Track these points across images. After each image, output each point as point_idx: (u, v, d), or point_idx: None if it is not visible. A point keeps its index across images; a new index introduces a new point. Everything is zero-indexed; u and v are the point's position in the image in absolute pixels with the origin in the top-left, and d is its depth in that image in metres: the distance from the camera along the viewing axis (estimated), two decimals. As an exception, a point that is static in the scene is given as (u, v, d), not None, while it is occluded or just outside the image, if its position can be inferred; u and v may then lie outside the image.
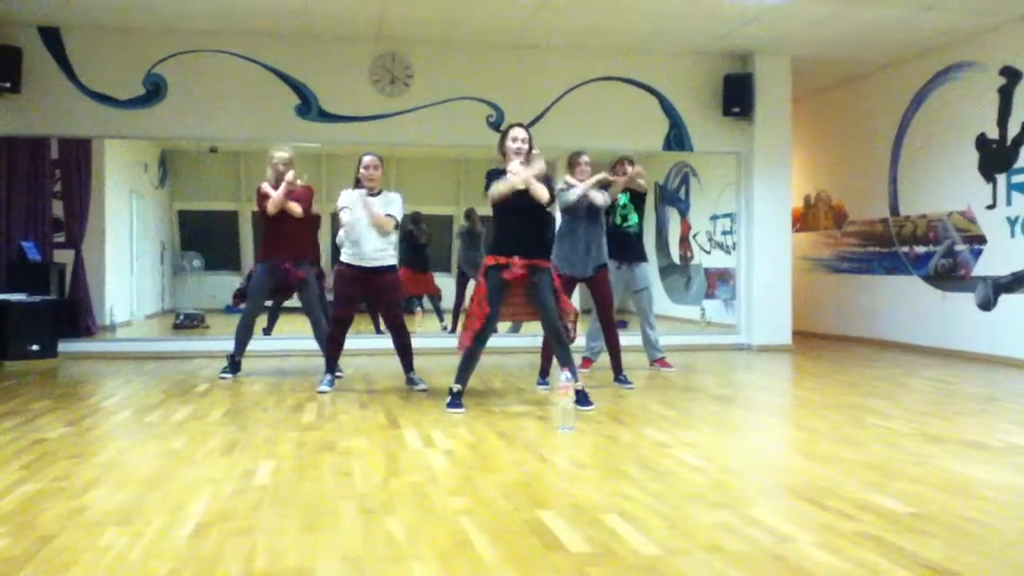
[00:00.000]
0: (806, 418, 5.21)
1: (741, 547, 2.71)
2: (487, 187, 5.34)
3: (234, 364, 6.76)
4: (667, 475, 3.66)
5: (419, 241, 10.35)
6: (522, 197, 5.24)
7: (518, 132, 5.36)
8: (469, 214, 10.43)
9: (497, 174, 5.33)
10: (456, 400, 5.27)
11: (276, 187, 6.59)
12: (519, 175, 5.17)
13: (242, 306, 6.91)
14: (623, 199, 7.06)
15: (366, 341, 8.98)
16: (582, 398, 5.22)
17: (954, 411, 5.35)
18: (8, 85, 7.84)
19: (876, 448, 4.22)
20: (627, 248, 7.09)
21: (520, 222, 5.28)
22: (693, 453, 4.09)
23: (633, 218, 7.11)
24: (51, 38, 8.16)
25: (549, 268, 5.33)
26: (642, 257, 7.24)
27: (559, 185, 6.29)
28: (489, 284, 5.23)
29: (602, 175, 6.43)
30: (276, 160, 6.65)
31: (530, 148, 5.34)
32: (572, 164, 6.47)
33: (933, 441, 4.39)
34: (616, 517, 3.02)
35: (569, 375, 4.79)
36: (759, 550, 2.68)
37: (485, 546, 2.71)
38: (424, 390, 6.06)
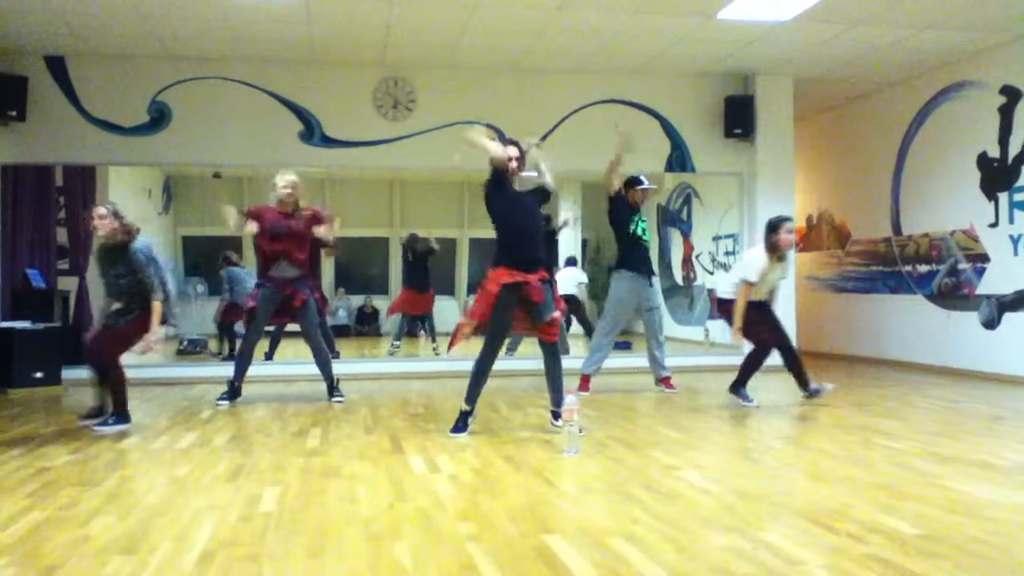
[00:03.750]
0: (813, 439, 5.18)
1: (750, 571, 2.69)
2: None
3: (233, 390, 6.72)
4: (674, 498, 3.64)
5: (419, 260, 10.38)
6: (530, 214, 5.27)
7: (511, 150, 5.39)
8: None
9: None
10: (461, 423, 5.25)
11: (280, 212, 6.64)
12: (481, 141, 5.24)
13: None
14: (642, 219, 7.15)
15: (371, 365, 8.99)
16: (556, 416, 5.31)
17: (961, 431, 5.32)
18: (14, 113, 7.90)
19: (884, 469, 4.20)
20: (646, 261, 7.17)
21: (528, 239, 5.30)
22: (701, 475, 4.07)
23: (648, 234, 7.19)
24: (56, 67, 8.22)
25: (552, 283, 5.35)
26: (653, 271, 7.29)
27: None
28: (501, 298, 5.21)
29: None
30: (283, 185, 6.65)
31: (522, 161, 5.37)
32: None
33: (941, 461, 4.37)
34: (623, 541, 3.00)
35: (573, 398, 4.77)
36: (768, 573, 2.66)
37: (491, 571, 2.70)
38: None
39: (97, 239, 5.56)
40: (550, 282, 5.37)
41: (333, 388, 6.83)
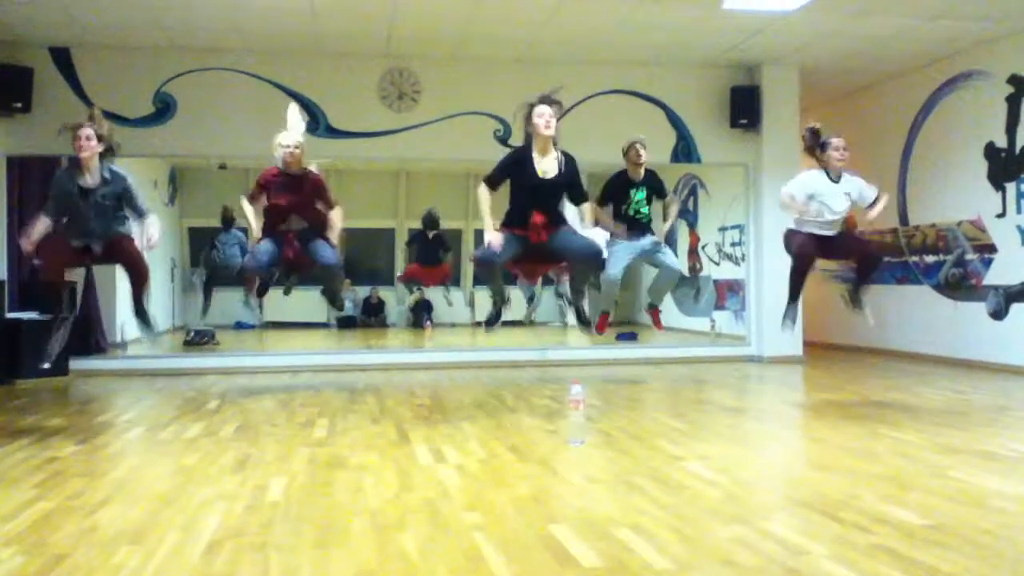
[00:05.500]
0: (819, 430, 5.18)
1: (755, 561, 2.69)
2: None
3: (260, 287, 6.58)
4: (680, 488, 3.64)
5: (428, 239, 10.48)
6: (543, 183, 5.23)
7: (543, 109, 5.19)
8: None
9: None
10: (494, 318, 5.47)
11: (284, 172, 6.12)
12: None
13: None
14: (639, 195, 6.89)
15: (377, 356, 9.01)
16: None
17: (967, 421, 5.31)
18: (19, 105, 7.89)
19: (890, 459, 4.20)
20: (638, 229, 6.84)
21: (536, 201, 5.23)
22: (706, 466, 4.07)
23: (645, 211, 6.91)
24: (61, 58, 8.21)
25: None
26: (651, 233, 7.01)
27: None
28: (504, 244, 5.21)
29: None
30: (286, 145, 6.04)
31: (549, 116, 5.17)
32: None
33: (947, 452, 4.36)
34: (629, 531, 3.00)
35: (579, 388, 4.77)
36: (774, 564, 2.67)
37: (498, 562, 2.70)
38: None
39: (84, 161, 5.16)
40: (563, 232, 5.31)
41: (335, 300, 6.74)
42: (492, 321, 5.58)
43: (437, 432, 5.03)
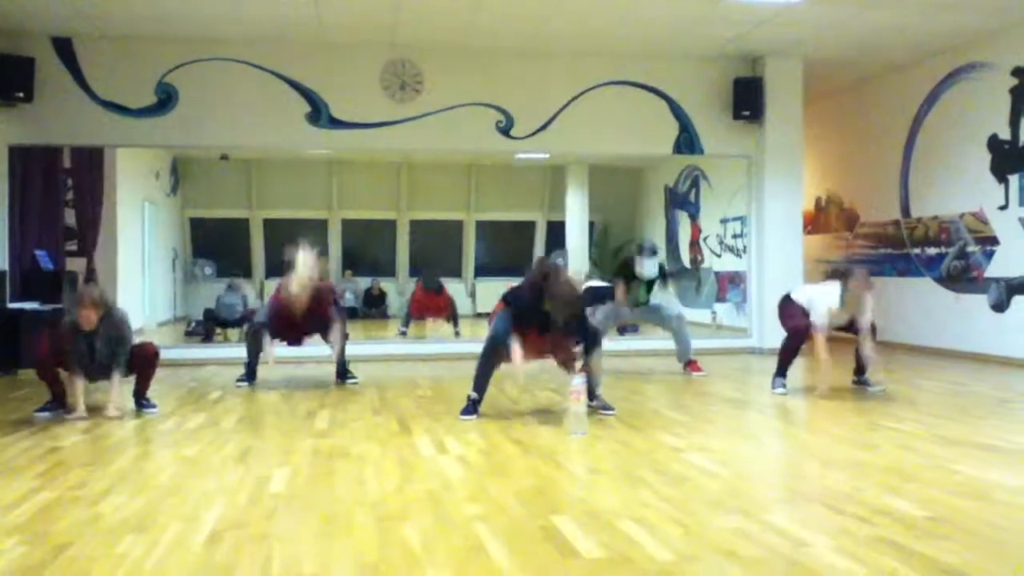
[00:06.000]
0: (820, 422, 5.18)
1: (757, 553, 2.70)
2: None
3: (251, 372, 6.74)
4: (682, 480, 3.65)
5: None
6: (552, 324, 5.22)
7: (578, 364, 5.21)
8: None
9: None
10: (471, 407, 5.25)
11: (291, 302, 6.43)
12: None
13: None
14: (643, 289, 7.38)
15: (378, 347, 9.01)
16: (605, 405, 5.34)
17: (968, 414, 5.31)
18: (21, 95, 7.88)
19: (891, 452, 4.20)
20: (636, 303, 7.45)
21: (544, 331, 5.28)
22: (707, 458, 4.07)
23: (644, 300, 7.44)
24: (63, 48, 8.19)
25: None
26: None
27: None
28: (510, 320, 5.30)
29: None
30: (292, 294, 6.36)
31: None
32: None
33: (948, 444, 4.37)
34: (631, 523, 3.01)
35: (581, 380, 4.77)
36: (775, 555, 2.67)
37: (500, 553, 2.71)
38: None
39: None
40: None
41: (345, 372, 6.85)
42: (469, 410, 5.24)
43: (439, 423, 5.03)
